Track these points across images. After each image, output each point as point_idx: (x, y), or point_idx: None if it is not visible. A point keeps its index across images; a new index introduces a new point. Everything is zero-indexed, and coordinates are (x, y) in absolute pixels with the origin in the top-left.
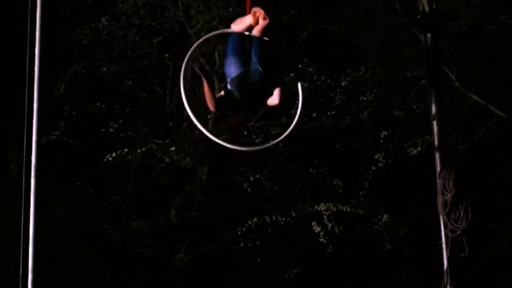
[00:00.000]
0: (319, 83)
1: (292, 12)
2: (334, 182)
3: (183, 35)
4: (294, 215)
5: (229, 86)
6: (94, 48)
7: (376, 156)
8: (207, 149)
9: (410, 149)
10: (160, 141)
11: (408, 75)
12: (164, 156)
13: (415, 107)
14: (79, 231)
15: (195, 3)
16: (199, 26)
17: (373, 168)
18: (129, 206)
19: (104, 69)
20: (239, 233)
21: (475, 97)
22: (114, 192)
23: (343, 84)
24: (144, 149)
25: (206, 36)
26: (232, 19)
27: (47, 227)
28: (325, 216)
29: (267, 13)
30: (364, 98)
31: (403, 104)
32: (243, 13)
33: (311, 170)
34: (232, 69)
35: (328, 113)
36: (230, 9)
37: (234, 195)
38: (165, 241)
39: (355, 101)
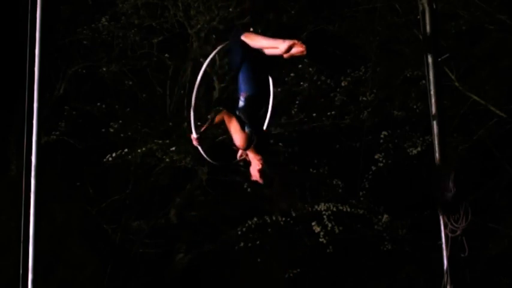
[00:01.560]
0: (319, 83)
1: (292, 12)
2: (334, 182)
3: (183, 35)
4: (294, 215)
5: (241, 102)
6: (94, 48)
7: (376, 156)
8: (207, 149)
9: (410, 149)
10: (160, 141)
11: (408, 75)
12: (164, 156)
13: (415, 107)
14: (79, 231)
15: (195, 3)
16: (199, 26)
17: (373, 168)
18: (129, 206)
19: (104, 69)
20: (239, 233)
21: (475, 97)
22: (114, 192)
23: (343, 84)
24: (144, 149)
25: (220, 47)
26: (232, 19)
27: (47, 227)
28: (325, 216)
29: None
30: (364, 98)
31: (403, 104)
32: (243, 13)
33: (311, 170)
34: (248, 87)
35: (328, 113)
36: (230, 9)
37: (234, 195)
38: (165, 241)
39: (355, 101)
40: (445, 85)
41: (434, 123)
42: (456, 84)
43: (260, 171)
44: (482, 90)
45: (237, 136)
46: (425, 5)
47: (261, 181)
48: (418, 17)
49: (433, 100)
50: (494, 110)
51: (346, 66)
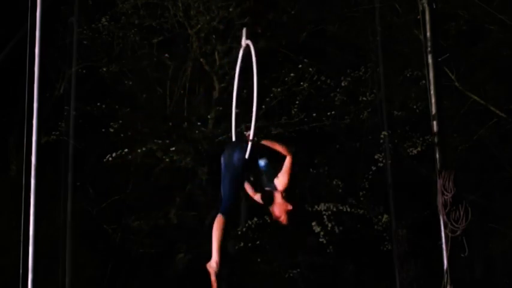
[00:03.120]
0: (319, 83)
1: (292, 12)
2: (334, 182)
3: (183, 35)
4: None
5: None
6: (94, 48)
7: (376, 156)
8: (207, 149)
9: (410, 149)
10: (160, 141)
11: (408, 75)
12: (164, 156)
13: (415, 107)
14: (80, 231)
15: (195, 3)
16: (199, 26)
17: (373, 168)
18: (129, 206)
19: (104, 69)
20: (239, 233)
21: (475, 97)
22: (114, 192)
23: (343, 84)
24: (144, 149)
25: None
26: (232, 19)
27: (47, 227)
28: (325, 216)
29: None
30: (364, 98)
31: (403, 104)
32: (243, 13)
33: (311, 170)
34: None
35: (328, 113)
36: (230, 9)
37: None
38: (165, 241)
39: (355, 101)
40: (445, 85)
41: (434, 123)
42: (456, 84)
43: (287, 213)
44: (483, 90)
45: (288, 178)
46: (425, 5)
47: (285, 222)
48: (418, 17)
49: (433, 100)
50: (494, 110)
51: (346, 66)
